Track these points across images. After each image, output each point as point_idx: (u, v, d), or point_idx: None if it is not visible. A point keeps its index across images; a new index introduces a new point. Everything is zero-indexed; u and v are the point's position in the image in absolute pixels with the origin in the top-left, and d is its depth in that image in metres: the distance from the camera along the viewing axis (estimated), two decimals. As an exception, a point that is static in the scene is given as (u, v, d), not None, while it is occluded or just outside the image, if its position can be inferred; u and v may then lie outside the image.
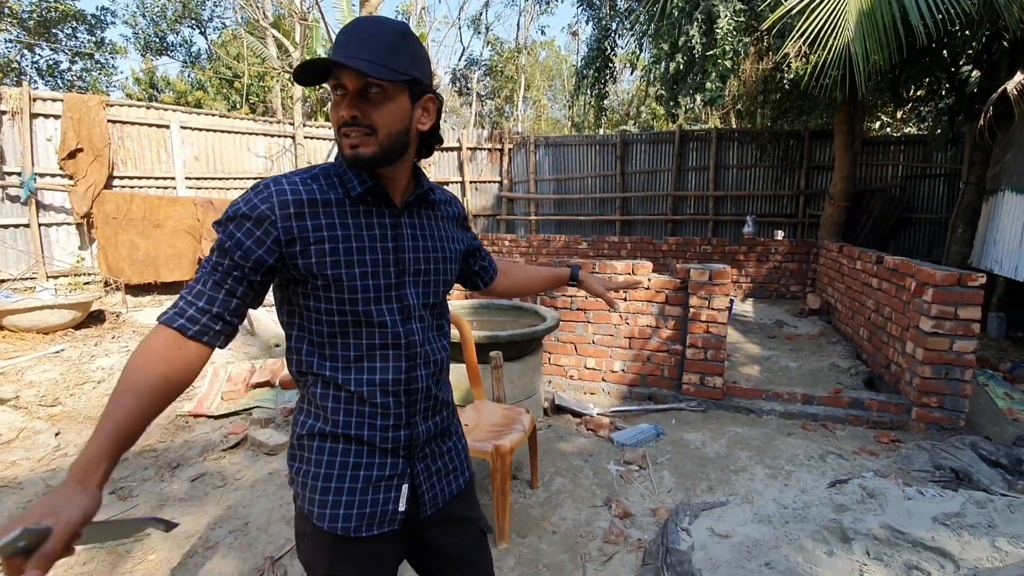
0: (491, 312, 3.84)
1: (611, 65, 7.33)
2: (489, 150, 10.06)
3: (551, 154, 9.93)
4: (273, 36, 9.73)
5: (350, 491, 0.99)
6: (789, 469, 2.87)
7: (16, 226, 6.18)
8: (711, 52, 4.81)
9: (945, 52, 5.29)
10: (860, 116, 6.77)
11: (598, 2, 7.96)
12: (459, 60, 20.57)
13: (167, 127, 7.23)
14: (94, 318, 5.77)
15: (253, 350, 5.13)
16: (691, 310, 3.74)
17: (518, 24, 19.40)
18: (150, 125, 7.09)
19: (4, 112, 5.99)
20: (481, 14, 18.95)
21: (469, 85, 20.48)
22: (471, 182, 10.04)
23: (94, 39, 19.60)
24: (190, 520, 2.42)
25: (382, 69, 0.87)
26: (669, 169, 9.21)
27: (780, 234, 7.62)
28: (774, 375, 4.34)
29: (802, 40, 4.03)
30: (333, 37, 10.15)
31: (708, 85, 4.95)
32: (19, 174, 6.11)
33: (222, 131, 7.81)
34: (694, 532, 2.13)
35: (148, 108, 7.21)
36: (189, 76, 19.55)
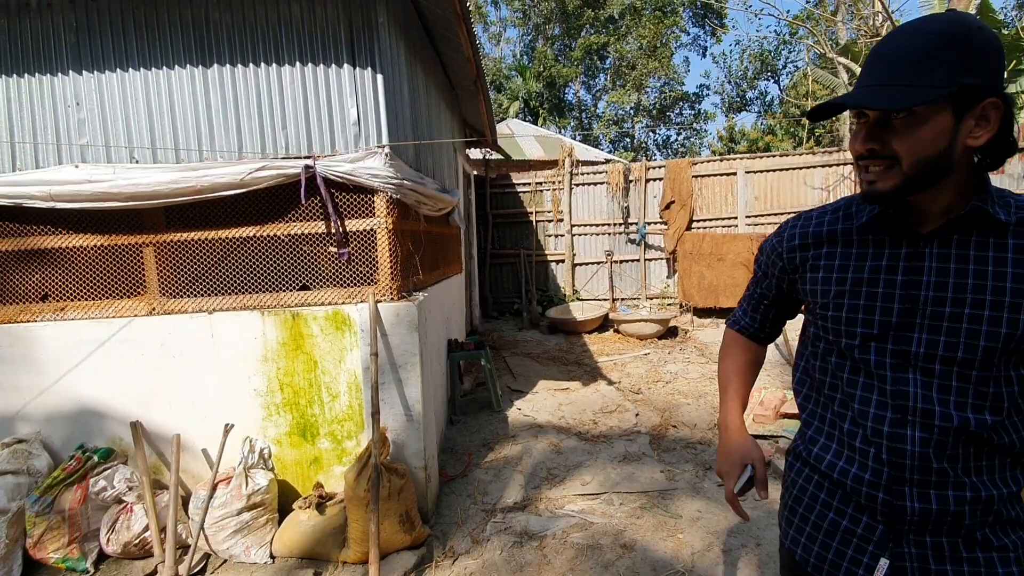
0: None
1: None
2: None
3: None
4: (841, 64, 9.35)
5: (814, 526, 0.97)
6: None
7: (631, 260, 8.62)
8: None
9: None
10: None
11: None
12: None
13: (734, 174, 8.25)
14: (670, 332, 7.30)
15: (789, 379, 5.15)
16: None
17: None
18: (721, 175, 8.31)
19: (631, 181, 8.49)
20: None
21: None
22: None
23: (693, 112, 24.50)
24: (712, 519, 2.79)
25: (902, 92, 0.77)
26: None
27: None
28: None
29: None
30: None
31: None
32: (636, 223, 8.50)
33: (781, 169, 8.19)
34: None
35: (721, 161, 8.47)
36: (762, 124, 21.32)
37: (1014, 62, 9.58)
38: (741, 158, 8.50)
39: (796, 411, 3.76)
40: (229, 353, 2.86)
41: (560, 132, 20.87)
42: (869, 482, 0.90)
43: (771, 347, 6.53)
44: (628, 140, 24.25)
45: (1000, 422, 0.85)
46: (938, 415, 0.85)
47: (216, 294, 2.91)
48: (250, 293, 2.92)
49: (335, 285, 2.97)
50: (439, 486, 3.21)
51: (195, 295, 2.91)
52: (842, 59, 9.48)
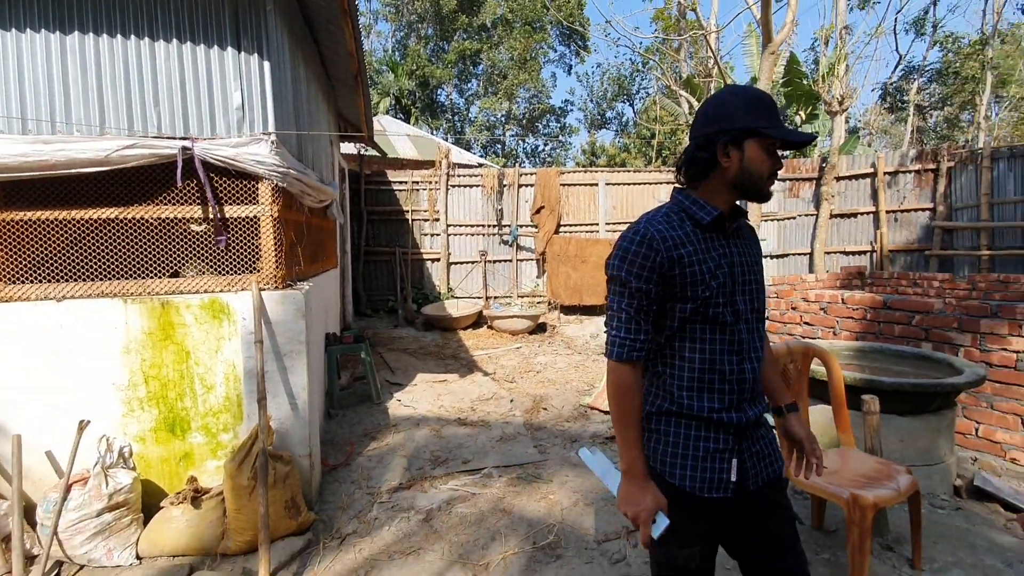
0: (887, 359, 3.37)
1: None
2: (917, 172, 8.18)
3: (1019, 167, 7.26)
4: (683, 96, 10.80)
5: (693, 457, 1.23)
6: None
7: (504, 261, 9.10)
8: None
9: None
10: None
11: None
12: (892, 72, 17.25)
13: (596, 185, 9.15)
14: (540, 327, 7.87)
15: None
16: None
17: (983, 10, 14.83)
18: (585, 185, 9.15)
19: (506, 185, 8.97)
20: (927, 12, 15.51)
21: (905, 98, 16.90)
22: (888, 212, 8.38)
23: (560, 125, 26.20)
24: (577, 481, 3.21)
25: None
26: None
27: None
28: None
29: None
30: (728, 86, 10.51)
31: None
32: (509, 226, 8.99)
33: (635, 183, 9.28)
34: None
35: (585, 172, 9.33)
36: (619, 141, 23.57)
37: (811, 108, 11.88)
38: (602, 171, 9.43)
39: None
40: (82, 345, 2.61)
41: (433, 133, 20.99)
42: (725, 409, 1.23)
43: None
44: (500, 146, 25.17)
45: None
46: (756, 350, 1.29)
47: (69, 280, 2.64)
48: (111, 279, 2.70)
49: (213, 272, 2.87)
50: (322, 475, 3.24)
51: (42, 280, 2.62)
52: (683, 92, 10.95)
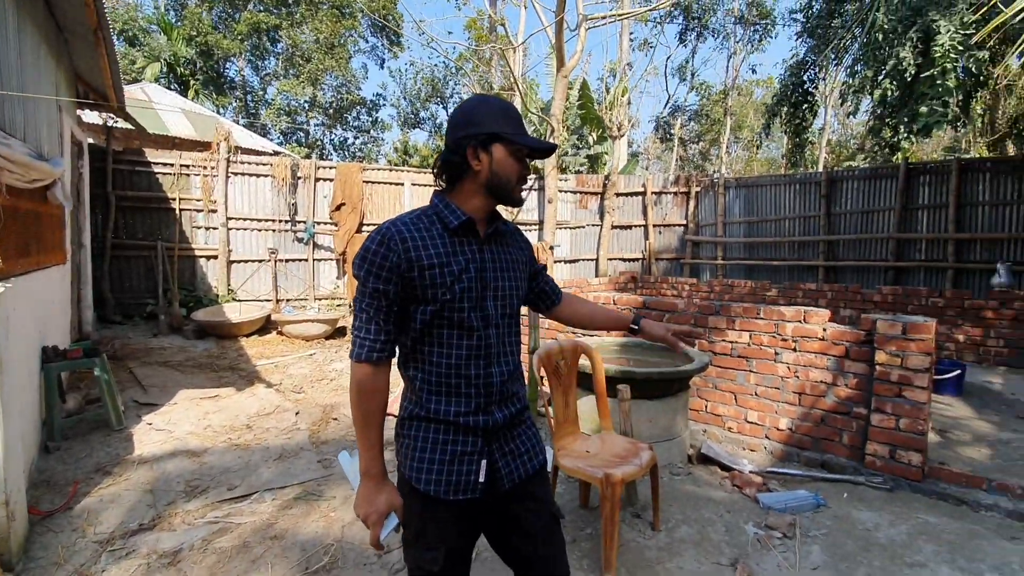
0: (644, 351, 3.89)
1: (809, 99, 6.72)
2: (675, 194, 9.93)
3: (743, 195, 9.34)
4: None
5: (440, 461, 1.22)
6: (989, 576, 2.29)
7: (299, 260, 8.34)
8: (926, 74, 4.15)
9: None
10: None
11: (811, 36, 7.41)
12: (664, 108, 20.73)
13: (402, 184, 8.99)
14: (339, 332, 7.40)
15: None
16: (877, 368, 3.25)
17: (727, 67, 18.79)
18: (390, 183, 8.92)
19: (300, 178, 8.24)
20: (687, 62, 18.98)
21: (672, 131, 20.45)
22: (654, 225, 10.00)
23: (371, 119, 25.24)
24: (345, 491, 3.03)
25: None
26: (891, 208, 7.85)
27: (1055, 288, 5.86)
28: (1011, 463, 3.41)
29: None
30: (528, 104, 11.30)
31: (922, 110, 4.26)
32: (304, 222, 8.28)
33: (440, 186, 9.37)
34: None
35: (390, 171, 9.10)
36: (432, 143, 23.68)
37: (601, 131, 13.42)
38: (408, 171, 9.30)
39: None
40: None
41: (220, 112, 18.43)
42: (472, 412, 1.24)
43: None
44: (303, 135, 23.23)
45: (519, 351, 1.33)
46: (508, 354, 1.29)
47: None
48: None
49: None
50: (30, 525, 2.50)
51: None
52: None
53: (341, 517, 2.76)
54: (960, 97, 4.52)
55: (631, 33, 16.77)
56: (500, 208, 1.34)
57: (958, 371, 4.63)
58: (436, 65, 23.74)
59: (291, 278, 8.29)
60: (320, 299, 8.44)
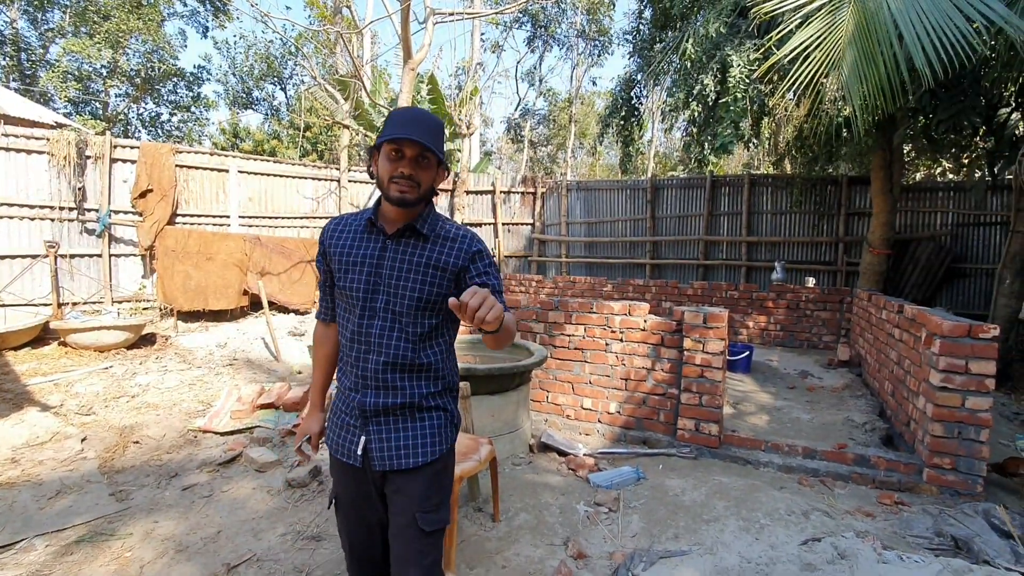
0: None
1: (637, 114, 7.50)
2: (522, 194, 10.37)
3: (583, 198, 10.10)
4: (336, 94, 10.52)
5: (338, 426, 1.46)
6: (764, 523, 2.74)
7: (91, 256, 6.97)
8: (723, 100, 4.87)
9: (981, 97, 5.09)
10: (898, 161, 6.54)
11: (640, 56, 8.21)
12: (515, 110, 21.48)
13: (226, 171, 8.01)
14: (146, 340, 6.34)
15: (275, 376, 5.45)
16: (685, 353, 3.70)
17: (571, 76, 20.13)
18: (211, 169, 7.89)
19: (89, 157, 6.88)
20: (535, 68, 19.90)
21: (523, 133, 21.30)
22: (503, 224, 10.33)
23: (191, 94, 22.06)
24: (171, 524, 2.62)
25: (436, 146, 1.31)
26: (700, 214, 9.14)
27: (811, 281, 7.33)
28: (782, 427, 4.14)
29: (792, 90, 4.05)
30: (370, 94, 10.95)
31: (720, 130, 5.00)
32: (96, 211, 6.94)
33: (275, 175, 8.55)
34: (638, 577, 2.09)
35: (212, 155, 8.04)
36: (268, 127, 21.52)
37: (453, 128, 13.36)
38: (235, 156, 8.32)
39: (271, 401, 3.98)
40: None
41: (-24, 69, 14.72)
42: (352, 390, 1.41)
43: (261, 344, 6.60)
44: (99, 106, 19.53)
45: (417, 350, 1.38)
46: (394, 348, 1.37)
47: None
48: None
49: None
50: None
51: None
52: (331, 88, 10.72)
53: (141, 556, 2.35)
54: (751, 121, 5.41)
55: (482, 34, 17.09)
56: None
57: (747, 352, 5.52)
58: (272, 41, 21.63)
59: (79, 277, 6.88)
60: (121, 302, 7.15)
